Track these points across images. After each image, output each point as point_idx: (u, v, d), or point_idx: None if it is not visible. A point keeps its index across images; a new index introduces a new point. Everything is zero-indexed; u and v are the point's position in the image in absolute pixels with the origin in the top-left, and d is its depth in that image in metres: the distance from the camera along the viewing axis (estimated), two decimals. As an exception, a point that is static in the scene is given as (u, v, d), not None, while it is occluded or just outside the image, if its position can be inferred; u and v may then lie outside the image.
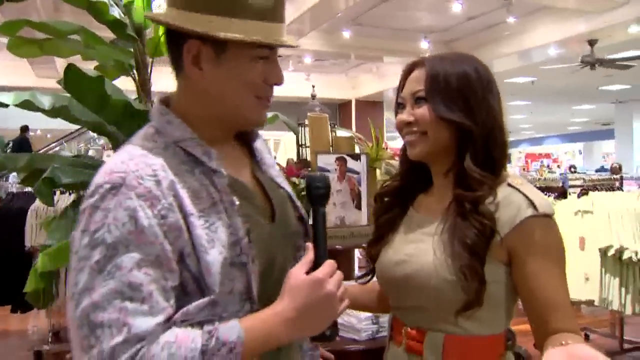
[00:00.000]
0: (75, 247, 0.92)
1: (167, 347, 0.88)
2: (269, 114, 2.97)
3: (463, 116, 1.22)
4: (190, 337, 0.90)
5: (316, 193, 1.10)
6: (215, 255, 0.95)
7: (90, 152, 9.42)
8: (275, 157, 1.37)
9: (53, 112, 2.48)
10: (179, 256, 0.94)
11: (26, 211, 4.80)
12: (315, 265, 1.01)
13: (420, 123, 1.24)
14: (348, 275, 2.57)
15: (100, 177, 0.95)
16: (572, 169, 12.58)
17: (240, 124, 1.11)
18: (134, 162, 0.96)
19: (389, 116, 13.01)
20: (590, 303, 4.18)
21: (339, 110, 13.30)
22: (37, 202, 4.77)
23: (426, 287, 1.20)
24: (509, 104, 15.20)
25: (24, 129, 10.53)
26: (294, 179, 2.52)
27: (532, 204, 1.16)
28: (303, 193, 2.56)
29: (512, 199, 1.18)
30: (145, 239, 0.90)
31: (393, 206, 1.37)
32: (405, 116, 1.26)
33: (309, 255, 1.01)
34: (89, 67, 3.06)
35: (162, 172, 0.96)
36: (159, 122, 1.05)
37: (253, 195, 1.11)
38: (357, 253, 3.06)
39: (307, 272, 1.00)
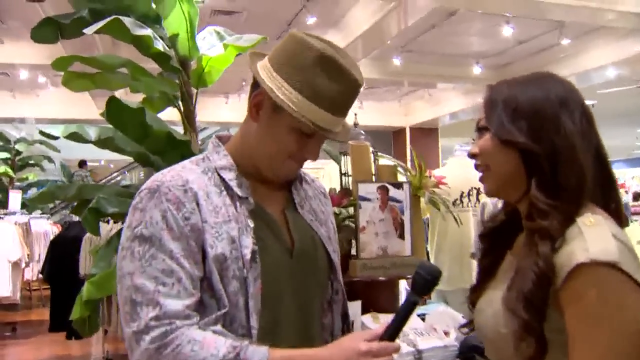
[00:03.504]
0: (121, 240, 1.13)
1: (192, 343, 1.03)
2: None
3: (525, 137, 1.10)
4: (215, 344, 1.04)
5: (418, 278, 1.14)
6: (213, 257, 1.10)
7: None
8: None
9: (99, 143, 2.56)
10: (203, 253, 1.11)
11: (81, 239, 4.95)
12: (380, 339, 1.09)
13: (482, 154, 1.17)
14: (391, 308, 2.50)
15: (144, 184, 1.16)
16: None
17: (267, 172, 1.24)
18: (170, 174, 1.16)
19: (444, 143, 12.82)
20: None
21: (393, 138, 13.20)
22: (92, 231, 4.90)
23: (489, 340, 1.15)
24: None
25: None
26: (335, 209, 2.48)
27: (587, 249, 0.98)
28: (344, 223, 2.52)
29: (571, 243, 1.02)
30: (174, 235, 1.09)
31: (493, 249, 1.26)
32: (470, 148, 1.21)
33: (378, 330, 1.10)
34: (138, 99, 3.15)
35: (191, 185, 1.14)
36: (210, 151, 1.25)
37: (278, 228, 1.23)
38: (404, 284, 2.98)
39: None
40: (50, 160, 10.30)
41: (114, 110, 2.27)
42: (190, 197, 1.13)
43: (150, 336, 1.03)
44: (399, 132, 12.97)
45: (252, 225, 1.16)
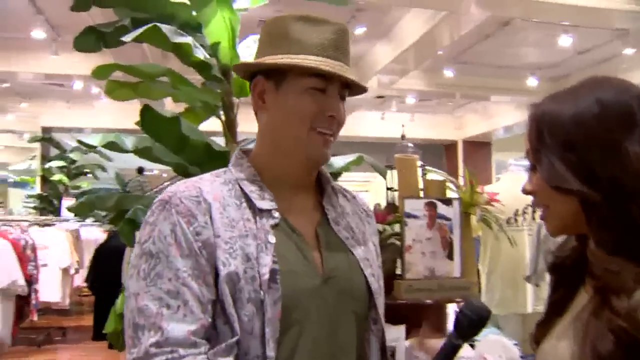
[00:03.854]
0: (131, 256, 1.05)
1: None
2: (354, 156, 2.82)
3: (578, 179, 0.89)
4: None
5: (462, 319, 1.02)
6: (225, 276, 0.98)
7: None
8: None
9: (137, 153, 2.50)
10: (216, 272, 0.99)
11: (125, 249, 4.93)
12: None
13: (538, 194, 1.00)
14: (437, 333, 2.33)
15: (160, 196, 1.08)
16: None
17: (300, 158, 1.12)
18: (185, 185, 1.07)
19: (498, 158, 12.45)
20: None
21: (445, 151, 12.92)
22: (136, 241, 4.89)
23: None
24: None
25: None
26: (379, 226, 2.33)
27: None
28: (390, 241, 2.37)
29: None
30: (182, 252, 0.98)
31: (563, 282, 1.07)
32: (525, 184, 1.03)
33: None
34: (181, 109, 3.09)
35: (205, 196, 1.04)
36: (232, 163, 1.16)
37: (306, 246, 1.09)
38: (453, 308, 2.80)
39: None
40: (103, 169, 10.49)
41: (149, 119, 2.20)
42: (204, 209, 1.02)
43: None
44: (451, 146, 12.69)
45: (273, 241, 1.03)
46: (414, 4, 6.00)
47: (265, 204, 1.07)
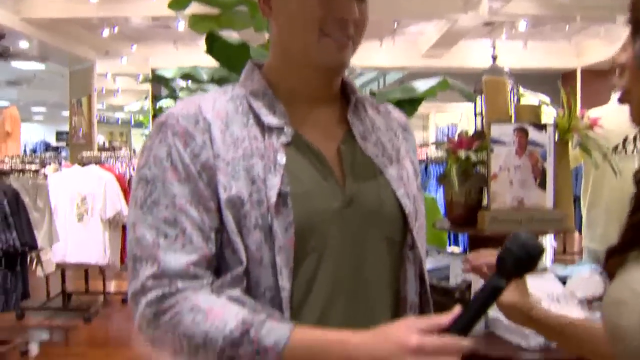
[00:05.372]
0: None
1: (195, 312, 0.85)
2: (437, 79, 2.62)
3: None
4: (223, 317, 0.84)
5: (506, 256, 0.87)
6: (226, 200, 0.90)
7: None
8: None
9: (214, 83, 2.48)
10: (218, 197, 0.91)
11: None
12: (442, 332, 0.78)
13: (625, 70, 0.89)
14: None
15: None
16: None
17: (312, 67, 0.98)
18: (184, 103, 0.97)
19: (621, 85, 11.41)
20: None
21: (562, 81, 12.04)
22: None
23: (605, 327, 0.83)
24: None
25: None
26: (461, 152, 2.17)
27: None
28: (475, 169, 2.22)
29: None
30: (179, 176, 0.90)
31: None
32: (620, 52, 0.92)
33: (443, 319, 0.79)
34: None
35: (204, 114, 0.94)
36: (243, 77, 1.04)
37: (326, 165, 0.97)
38: (550, 240, 2.58)
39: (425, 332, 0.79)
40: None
41: (217, 47, 2.14)
42: (202, 128, 0.92)
43: (147, 299, 0.86)
44: (569, 75, 11.78)
45: (282, 161, 0.92)
46: None
47: (274, 119, 0.96)
